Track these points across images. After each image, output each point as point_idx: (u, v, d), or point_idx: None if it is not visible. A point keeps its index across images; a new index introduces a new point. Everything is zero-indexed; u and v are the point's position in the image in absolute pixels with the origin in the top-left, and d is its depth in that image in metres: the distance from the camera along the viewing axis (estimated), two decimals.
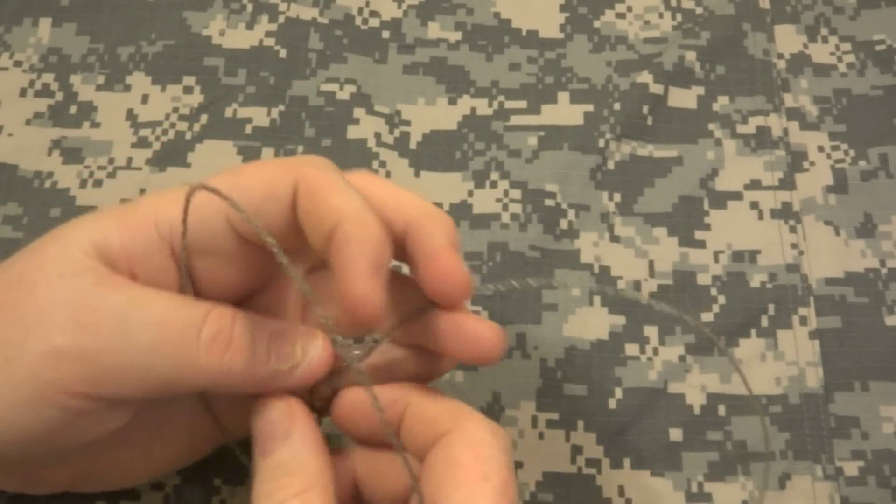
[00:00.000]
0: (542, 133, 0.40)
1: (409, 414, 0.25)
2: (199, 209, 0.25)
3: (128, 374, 0.24)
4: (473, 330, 0.25)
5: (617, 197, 0.39)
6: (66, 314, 0.23)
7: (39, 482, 0.28)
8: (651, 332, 0.36)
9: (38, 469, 0.27)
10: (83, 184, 0.38)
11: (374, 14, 0.43)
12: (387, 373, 0.27)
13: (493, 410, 0.34)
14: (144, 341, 0.23)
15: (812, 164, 0.40)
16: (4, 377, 0.23)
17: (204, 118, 0.40)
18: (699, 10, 0.43)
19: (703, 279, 0.37)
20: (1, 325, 0.24)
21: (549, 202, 0.38)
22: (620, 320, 0.36)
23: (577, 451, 0.34)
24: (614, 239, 0.38)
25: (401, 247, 0.26)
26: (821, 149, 0.40)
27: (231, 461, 0.33)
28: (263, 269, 0.27)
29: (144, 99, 0.40)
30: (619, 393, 0.35)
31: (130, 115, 0.40)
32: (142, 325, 0.24)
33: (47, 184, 0.38)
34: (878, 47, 0.42)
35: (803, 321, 0.36)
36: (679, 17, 0.43)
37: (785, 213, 0.38)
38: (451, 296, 0.25)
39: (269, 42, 0.42)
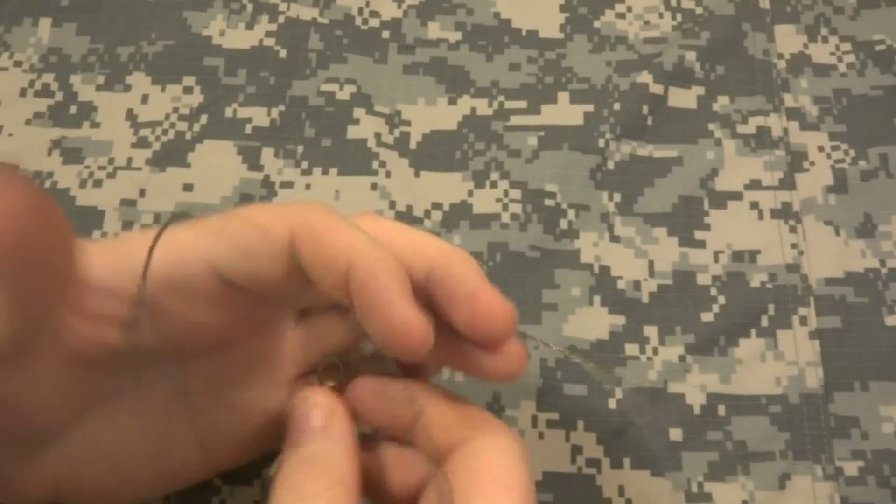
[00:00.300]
0: (542, 133, 0.40)
1: (427, 415, 0.25)
2: (180, 250, 0.24)
3: None
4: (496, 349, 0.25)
5: (617, 197, 0.39)
6: None
7: (20, 490, 0.26)
8: (651, 332, 0.36)
9: (23, 468, 0.26)
10: (83, 184, 0.38)
11: (374, 14, 0.43)
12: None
13: (493, 410, 0.34)
14: None
15: (812, 164, 0.40)
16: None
17: (204, 118, 0.40)
18: (699, 10, 0.43)
19: (702, 279, 0.37)
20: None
21: (549, 202, 0.38)
22: (620, 320, 0.36)
23: (577, 451, 0.34)
24: (614, 239, 0.38)
25: (423, 292, 0.25)
26: (821, 149, 0.40)
27: None
28: (251, 317, 0.26)
29: (144, 99, 0.40)
30: (619, 393, 0.35)
31: (130, 115, 0.40)
32: None
33: (47, 184, 0.38)
34: (878, 47, 0.42)
35: (803, 321, 0.36)
36: (679, 17, 0.43)
37: (785, 213, 0.38)
38: (497, 335, 0.24)
39: (269, 42, 0.42)
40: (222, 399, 0.27)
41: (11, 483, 0.26)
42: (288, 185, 0.38)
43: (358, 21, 0.43)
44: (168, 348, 0.25)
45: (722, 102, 0.41)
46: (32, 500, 0.27)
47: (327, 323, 0.28)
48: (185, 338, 0.25)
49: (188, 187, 0.38)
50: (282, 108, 0.40)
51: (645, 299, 0.37)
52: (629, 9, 0.44)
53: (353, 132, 0.40)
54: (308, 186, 0.38)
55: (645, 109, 0.41)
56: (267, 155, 0.39)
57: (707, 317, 0.36)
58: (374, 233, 0.24)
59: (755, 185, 0.39)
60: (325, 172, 0.39)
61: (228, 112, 0.40)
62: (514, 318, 0.24)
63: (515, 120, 0.40)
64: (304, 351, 0.28)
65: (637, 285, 0.37)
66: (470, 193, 0.39)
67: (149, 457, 0.27)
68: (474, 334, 0.24)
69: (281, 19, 0.42)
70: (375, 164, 0.39)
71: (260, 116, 0.40)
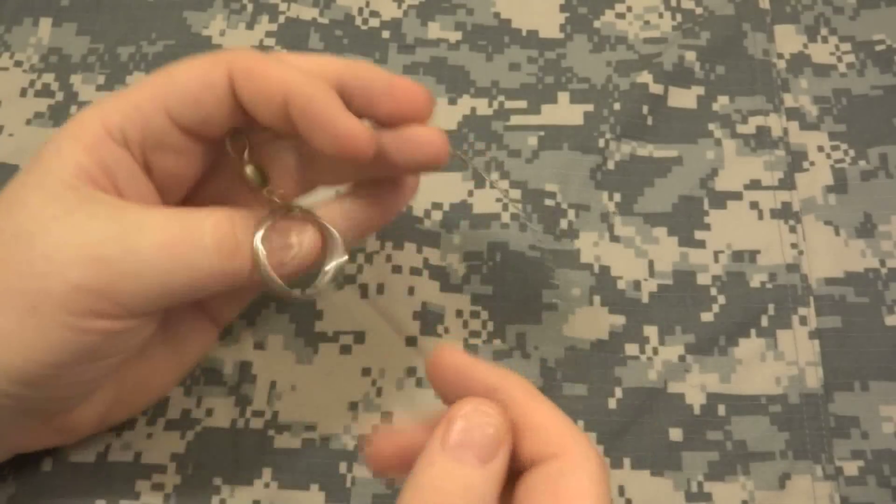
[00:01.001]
0: (542, 133, 0.40)
1: (517, 414, 0.24)
2: (141, 110, 0.26)
3: (147, 294, 0.25)
4: (417, 135, 0.27)
5: (617, 197, 0.39)
6: (74, 254, 0.25)
7: (73, 428, 0.30)
8: (651, 331, 0.36)
9: (69, 413, 0.29)
10: None
11: (374, 14, 0.43)
12: (349, 222, 0.29)
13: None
14: (156, 264, 0.25)
15: (812, 164, 0.40)
16: (36, 324, 0.25)
17: None
18: (699, 10, 0.43)
19: (702, 279, 0.37)
20: (13, 278, 0.25)
21: (549, 202, 0.38)
22: (620, 320, 0.36)
23: None
24: (614, 239, 0.38)
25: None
26: (821, 149, 0.40)
27: (231, 461, 0.33)
28: (206, 158, 0.29)
29: None
30: (619, 393, 0.35)
31: None
32: (150, 248, 0.25)
33: None
34: (878, 47, 0.42)
35: (803, 321, 0.36)
36: (679, 17, 0.43)
37: (785, 212, 0.38)
38: (421, 110, 0.27)
39: (270, 42, 0.42)
40: None
41: (70, 424, 0.30)
42: None
43: (358, 21, 0.43)
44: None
45: (722, 102, 0.41)
46: (87, 432, 0.31)
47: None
48: (167, 188, 0.28)
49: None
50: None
51: (645, 299, 0.37)
52: (629, 9, 0.44)
53: None
54: None
55: (645, 109, 0.41)
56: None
57: (707, 317, 0.36)
58: (289, 62, 0.27)
59: (755, 184, 0.39)
60: None
61: None
62: (431, 95, 0.28)
63: (515, 120, 0.40)
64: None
65: (637, 285, 0.37)
66: (470, 193, 0.39)
67: (167, 355, 0.31)
68: (402, 117, 0.27)
69: (281, 19, 0.42)
70: None
71: None
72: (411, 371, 0.35)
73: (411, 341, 0.35)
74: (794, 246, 0.38)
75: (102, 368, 0.27)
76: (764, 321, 0.36)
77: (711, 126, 0.40)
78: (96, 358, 0.26)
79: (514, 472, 0.24)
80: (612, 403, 0.35)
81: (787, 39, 0.43)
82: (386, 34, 0.43)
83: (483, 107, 0.41)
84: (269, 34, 0.42)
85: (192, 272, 0.25)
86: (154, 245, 0.25)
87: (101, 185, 0.26)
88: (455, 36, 0.43)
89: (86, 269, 0.25)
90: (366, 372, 0.35)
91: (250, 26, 0.42)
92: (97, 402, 0.30)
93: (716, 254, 0.38)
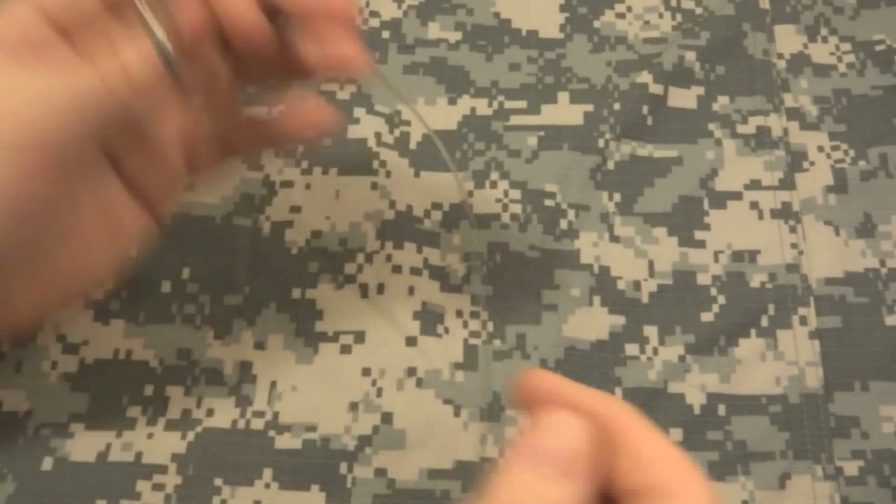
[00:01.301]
0: (541, 133, 0.40)
1: (618, 439, 0.22)
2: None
3: (60, 133, 0.26)
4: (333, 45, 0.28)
5: (617, 197, 0.39)
6: None
7: (11, 311, 0.30)
8: (651, 332, 0.36)
9: (8, 291, 0.29)
10: None
11: (374, 14, 0.43)
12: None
13: (493, 410, 0.34)
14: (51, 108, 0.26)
15: (812, 164, 0.40)
16: None
17: None
18: (699, 10, 0.43)
19: (702, 279, 0.37)
20: None
21: (549, 202, 0.38)
22: (620, 320, 0.36)
23: None
24: (614, 239, 0.38)
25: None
26: (821, 149, 0.40)
27: (231, 461, 0.33)
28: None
29: None
30: (619, 393, 0.35)
31: None
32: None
33: None
34: (878, 47, 0.42)
35: (803, 321, 0.36)
36: (679, 17, 0.43)
37: (785, 213, 0.38)
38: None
39: None
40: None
41: (6, 305, 0.29)
42: (288, 184, 0.38)
43: (358, 21, 0.43)
44: None
45: (722, 102, 0.41)
46: (25, 319, 0.31)
47: None
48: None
49: (188, 187, 0.38)
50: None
51: (645, 299, 0.37)
52: (629, 9, 0.44)
53: (353, 132, 0.40)
54: (308, 186, 0.38)
55: (645, 109, 0.41)
56: (267, 154, 0.39)
57: (707, 317, 0.36)
58: None
59: (755, 185, 0.39)
60: (325, 172, 0.39)
61: None
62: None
63: (515, 120, 0.40)
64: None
65: (637, 285, 0.37)
66: (470, 193, 0.39)
67: (102, 239, 0.30)
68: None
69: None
70: (375, 164, 0.39)
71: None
72: (411, 371, 0.35)
73: (411, 341, 0.35)
74: (794, 246, 0.38)
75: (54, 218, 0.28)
76: (764, 321, 0.36)
77: (711, 126, 0.40)
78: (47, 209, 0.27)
79: (611, 499, 0.22)
80: None
81: (787, 39, 0.43)
82: (386, 34, 0.43)
83: (483, 107, 0.41)
84: None
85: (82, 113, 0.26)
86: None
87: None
88: (455, 36, 0.43)
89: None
90: (366, 372, 0.35)
91: None
92: (34, 284, 0.29)
93: (716, 254, 0.38)
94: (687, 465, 0.21)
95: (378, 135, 0.40)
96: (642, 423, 0.22)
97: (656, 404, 0.35)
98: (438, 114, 0.41)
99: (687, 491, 0.20)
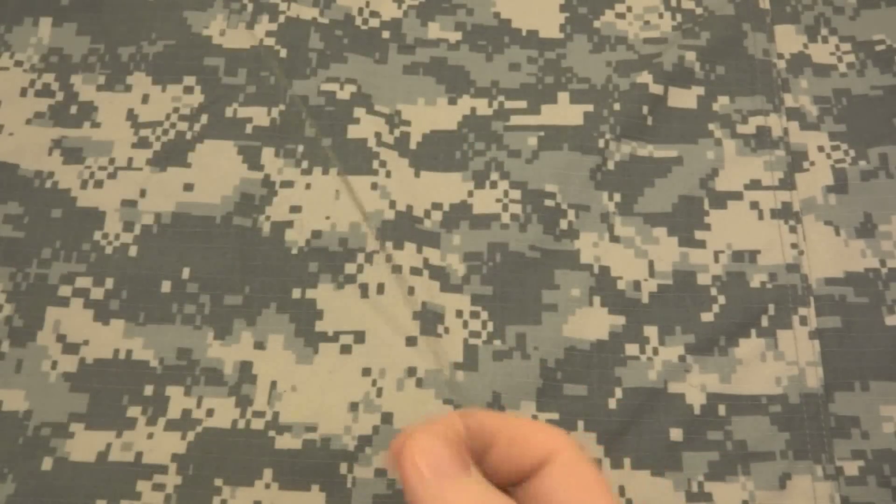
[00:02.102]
0: (541, 133, 0.40)
1: (500, 439, 0.24)
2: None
3: None
4: None
5: (617, 197, 0.39)
6: None
7: None
8: (651, 332, 0.36)
9: None
10: (84, 184, 0.38)
11: (374, 14, 0.43)
12: None
13: (493, 410, 0.34)
14: None
15: (812, 164, 0.40)
16: None
17: (204, 118, 0.40)
18: (699, 11, 0.43)
19: (703, 279, 0.37)
20: None
21: (549, 202, 0.38)
22: (620, 320, 0.36)
23: None
24: (614, 239, 0.38)
25: None
26: (821, 149, 0.40)
27: (232, 462, 0.33)
28: None
29: (145, 99, 0.40)
30: (619, 393, 0.35)
31: (131, 115, 0.40)
32: None
33: (48, 184, 0.38)
34: (878, 47, 0.42)
35: (803, 321, 0.36)
36: (679, 17, 0.43)
37: (785, 213, 0.38)
38: None
39: (270, 42, 0.42)
40: None
41: None
42: (288, 184, 0.38)
43: (358, 21, 0.43)
44: None
45: (722, 102, 0.41)
46: None
47: None
48: None
49: (188, 187, 0.38)
50: (282, 107, 0.40)
51: (645, 299, 0.37)
52: (629, 9, 0.44)
53: (353, 132, 0.40)
54: (308, 186, 0.38)
55: (645, 109, 0.41)
56: (267, 154, 0.39)
57: (707, 317, 0.36)
58: None
59: (755, 185, 0.39)
60: (325, 172, 0.39)
61: (229, 112, 0.40)
62: None
63: (515, 120, 0.40)
64: None
65: (637, 285, 0.37)
66: (470, 193, 0.39)
67: None
68: None
69: (281, 19, 0.42)
70: (375, 164, 0.39)
71: (260, 116, 0.40)
72: (411, 371, 0.35)
73: (411, 341, 0.35)
74: (794, 246, 0.38)
75: None
76: (764, 321, 0.36)
77: (711, 126, 0.40)
78: None
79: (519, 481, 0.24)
80: (612, 404, 0.35)
81: (788, 39, 0.43)
82: (386, 34, 0.43)
83: (483, 107, 0.41)
84: (269, 34, 0.42)
85: None
86: None
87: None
88: (455, 36, 0.43)
89: None
90: (366, 372, 0.35)
91: (250, 26, 0.42)
92: None
93: (716, 254, 0.38)
94: (551, 428, 0.24)
95: (378, 135, 0.40)
96: (508, 414, 0.24)
97: (656, 404, 0.35)
98: (438, 114, 0.41)
99: (564, 447, 0.23)
